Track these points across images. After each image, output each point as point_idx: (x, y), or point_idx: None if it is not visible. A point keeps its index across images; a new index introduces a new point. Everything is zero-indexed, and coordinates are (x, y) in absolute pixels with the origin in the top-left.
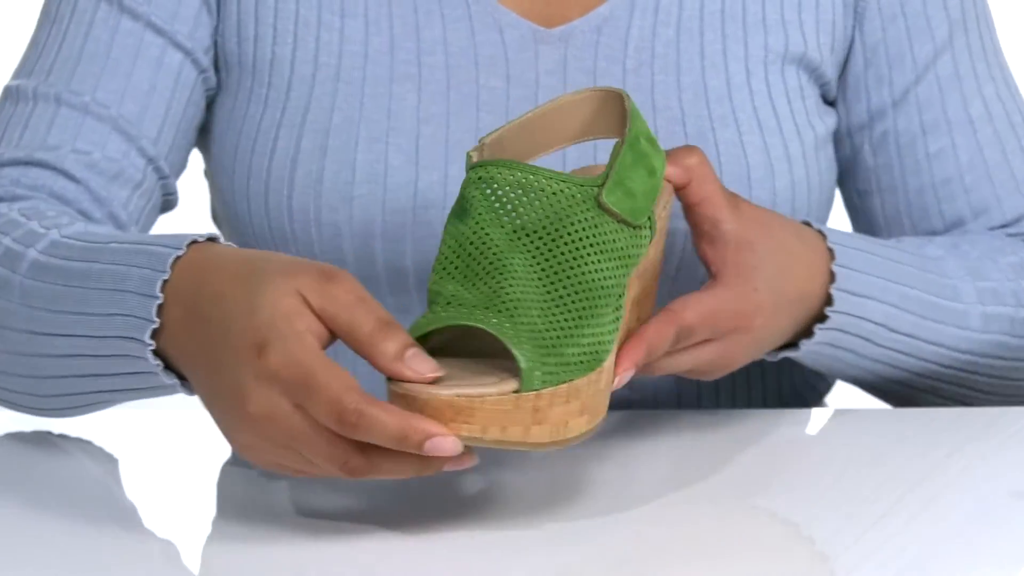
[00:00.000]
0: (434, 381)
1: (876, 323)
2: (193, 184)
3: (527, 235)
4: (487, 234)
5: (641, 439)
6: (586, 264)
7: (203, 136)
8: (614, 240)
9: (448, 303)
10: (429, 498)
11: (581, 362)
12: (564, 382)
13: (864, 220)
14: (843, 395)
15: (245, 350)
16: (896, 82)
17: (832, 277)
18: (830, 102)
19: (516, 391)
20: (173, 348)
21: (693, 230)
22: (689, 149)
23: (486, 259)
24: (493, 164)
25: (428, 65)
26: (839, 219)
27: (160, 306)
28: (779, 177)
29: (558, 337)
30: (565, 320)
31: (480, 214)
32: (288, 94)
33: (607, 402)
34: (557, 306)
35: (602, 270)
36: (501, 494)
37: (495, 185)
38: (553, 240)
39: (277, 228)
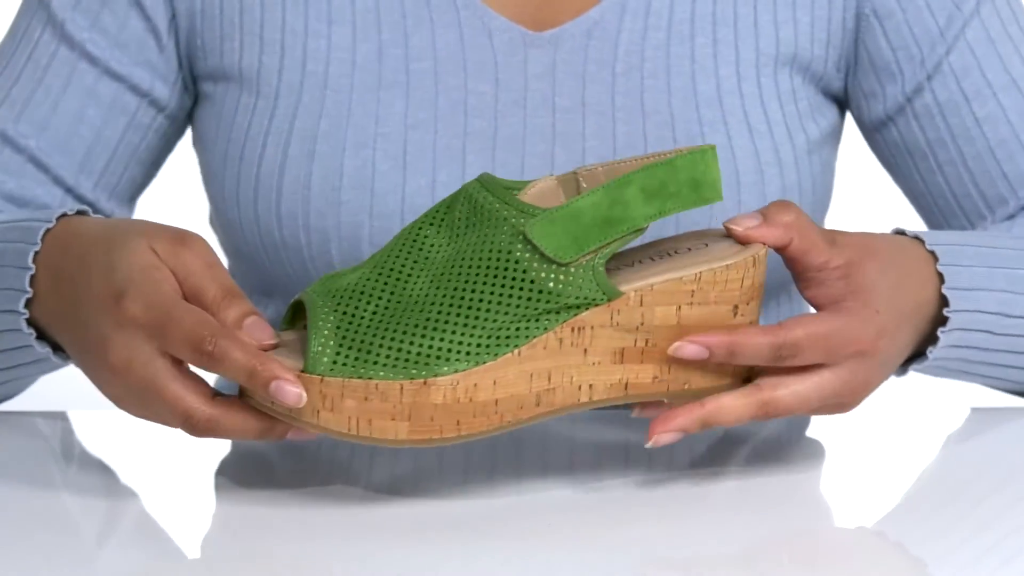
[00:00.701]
0: (273, 349)
1: (992, 312)
2: (193, 186)
3: (446, 242)
4: (410, 232)
5: (640, 439)
6: (467, 279)
7: (194, 143)
8: (525, 271)
9: (320, 282)
10: (427, 497)
11: (392, 365)
12: (360, 377)
13: (933, 204)
14: None
15: (105, 301)
16: (927, 57)
17: (941, 279)
18: (835, 96)
19: (302, 370)
20: (45, 315)
21: (798, 280)
22: (783, 206)
23: (386, 252)
24: (480, 178)
25: (416, 71)
26: (845, 223)
27: (32, 276)
28: (769, 182)
29: (374, 335)
30: (399, 323)
31: (426, 216)
32: (276, 102)
33: (466, 424)
34: (405, 309)
35: (487, 292)
36: (498, 494)
37: (460, 196)
38: (460, 252)
39: (266, 233)
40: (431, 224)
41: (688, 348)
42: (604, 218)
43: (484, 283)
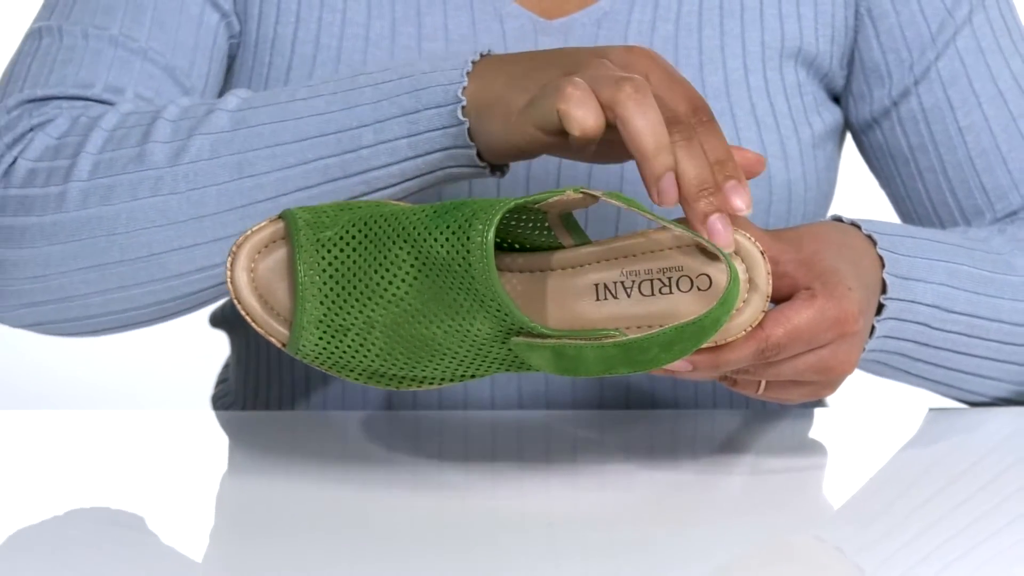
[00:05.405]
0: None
1: (929, 305)
2: None
3: (445, 252)
4: (414, 227)
5: (640, 439)
6: (446, 331)
7: None
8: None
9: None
10: (427, 498)
11: (368, 378)
12: (338, 375)
13: (912, 210)
14: (844, 395)
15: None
16: (916, 62)
17: (881, 263)
18: (836, 96)
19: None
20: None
21: None
22: None
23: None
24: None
25: (428, 51)
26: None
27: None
28: (775, 174)
29: (354, 353)
30: (373, 343)
31: (434, 221)
32: (288, 75)
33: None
34: (385, 324)
35: (463, 350)
36: (500, 496)
37: (475, 241)
38: (453, 300)
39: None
40: (439, 231)
41: (672, 363)
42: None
43: (462, 346)
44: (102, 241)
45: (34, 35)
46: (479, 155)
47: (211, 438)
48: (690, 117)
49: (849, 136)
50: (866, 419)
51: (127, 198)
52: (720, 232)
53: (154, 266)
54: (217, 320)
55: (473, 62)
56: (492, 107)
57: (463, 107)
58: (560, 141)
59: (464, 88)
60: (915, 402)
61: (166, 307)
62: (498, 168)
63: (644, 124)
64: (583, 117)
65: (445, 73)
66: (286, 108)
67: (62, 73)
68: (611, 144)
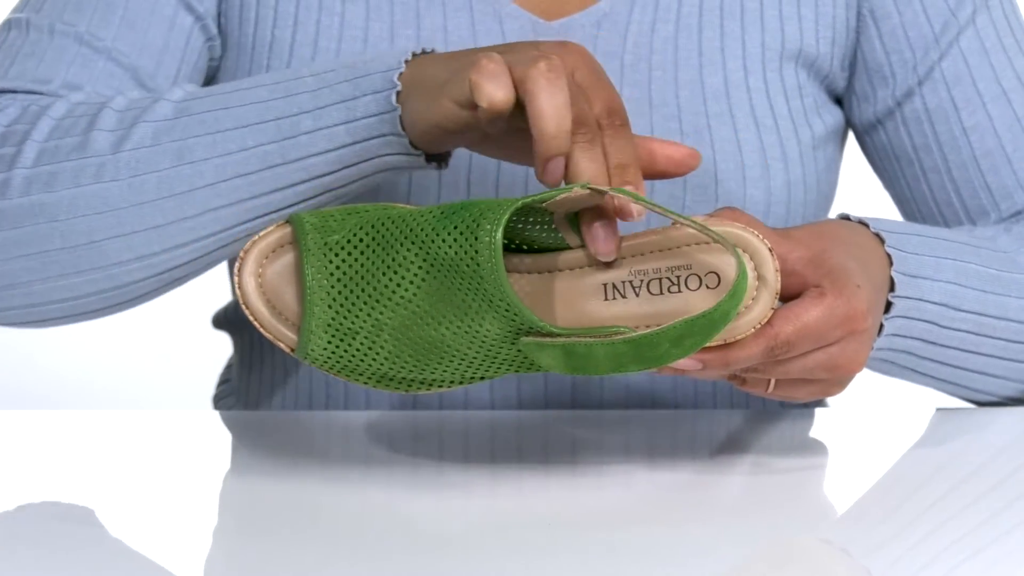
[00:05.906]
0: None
1: (937, 303)
2: None
3: (454, 253)
4: (421, 228)
5: (640, 439)
6: (454, 332)
7: None
8: (481, 323)
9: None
10: (426, 497)
11: (377, 381)
12: (347, 379)
13: (916, 210)
14: (846, 395)
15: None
16: (920, 62)
17: (889, 260)
18: (837, 98)
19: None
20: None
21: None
22: (731, 209)
23: (412, 224)
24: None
25: None
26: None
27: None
28: (774, 176)
29: (363, 355)
30: (382, 346)
31: (440, 220)
32: None
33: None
34: (394, 326)
35: (471, 351)
36: (500, 495)
37: (483, 239)
38: (460, 303)
39: None
40: (445, 231)
41: (682, 361)
42: (561, 356)
43: (471, 348)
44: (44, 228)
45: (3, 28)
46: (413, 144)
47: (213, 438)
48: (601, 119)
49: (851, 137)
50: (872, 419)
51: (70, 185)
52: (600, 238)
53: (94, 253)
54: (220, 322)
55: (414, 53)
56: (419, 87)
57: (398, 92)
58: (475, 117)
59: (401, 74)
60: (922, 402)
61: (107, 296)
62: (434, 159)
63: (548, 104)
64: (492, 90)
65: (385, 61)
66: (229, 97)
67: (22, 67)
68: (524, 135)
